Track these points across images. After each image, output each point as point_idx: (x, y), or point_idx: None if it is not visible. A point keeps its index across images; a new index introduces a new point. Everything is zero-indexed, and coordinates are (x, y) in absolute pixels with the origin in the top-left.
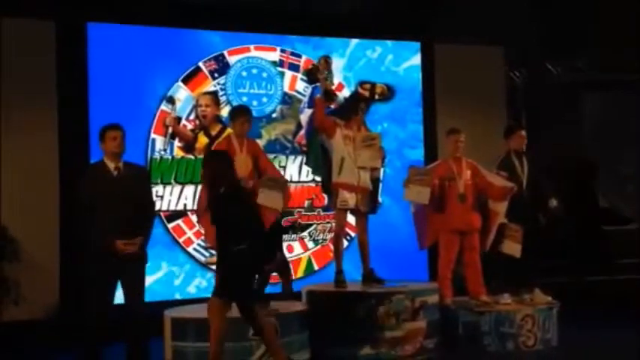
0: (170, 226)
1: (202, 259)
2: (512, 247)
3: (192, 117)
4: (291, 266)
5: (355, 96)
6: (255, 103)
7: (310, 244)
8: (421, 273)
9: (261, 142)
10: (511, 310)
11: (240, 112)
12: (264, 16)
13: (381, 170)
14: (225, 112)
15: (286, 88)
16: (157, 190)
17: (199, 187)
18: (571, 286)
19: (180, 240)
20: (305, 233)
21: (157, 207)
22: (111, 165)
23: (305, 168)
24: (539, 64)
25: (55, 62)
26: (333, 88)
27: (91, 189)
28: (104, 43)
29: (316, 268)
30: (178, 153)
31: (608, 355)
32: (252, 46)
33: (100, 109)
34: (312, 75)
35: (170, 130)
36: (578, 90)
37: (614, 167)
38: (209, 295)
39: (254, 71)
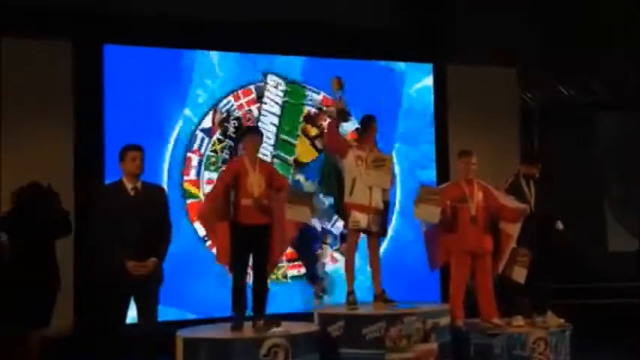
0: None
1: None
2: (519, 273)
3: None
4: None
5: (366, 116)
6: None
7: None
8: (433, 294)
9: None
10: (523, 332)
11: (249, 131)
12: (277, 37)
13: (390, 192)
14: None
15: None
16: None
17: None
18: (583, 309)
19: None
20: None
21: None
22: (129, 185)
23: None
24: (552, 86)
25: (71, 82)
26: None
27: (107, 209)
28: (120, 64)
29: None
30: None
31: None
32: None
33: (115, 129)
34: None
35: None
36: (591, 111)
37: (630, 189)
38: (221, 315)
39: None
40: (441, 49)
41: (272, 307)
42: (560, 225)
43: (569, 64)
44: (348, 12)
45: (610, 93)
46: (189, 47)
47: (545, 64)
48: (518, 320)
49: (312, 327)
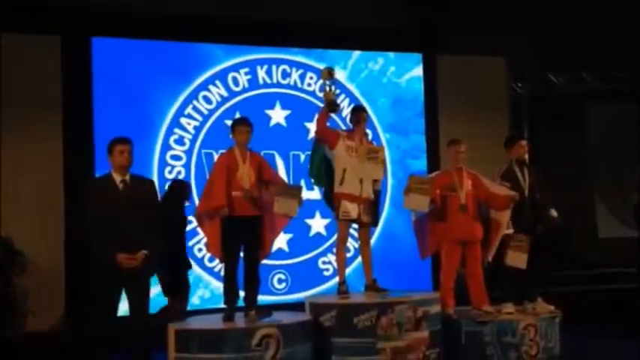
0: None
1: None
2: (518, 258)
3: None
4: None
5: (356, 107)
6: None
7: None
8: (424, 283)
9: None
10: (513, 319)
11: (240, 122)
12: (268, 28)
13: (381, 182)
14: None
15: None
16: None
17: None
18: (574, 295)
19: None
20: None
21: None
22: (117, 178)
23: None
24: (542, 75)
25: (60, 75)
26: (338, 99)
27: (96, 202)
28: (108, 57)
29: None
30: None
31: None
32: None
33: (105, 122)
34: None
35: None
36: (581, 100)
37: (619, 177)
38: (213, 306)
39: None
40: (430, 39)
41: None
42: (554, 213)
43: (559, 54)
44: (338, 6)
45: (600, 82)
46: (179, 40)
47: (535, 53)
48: (509, 307)
49: (304, 317)
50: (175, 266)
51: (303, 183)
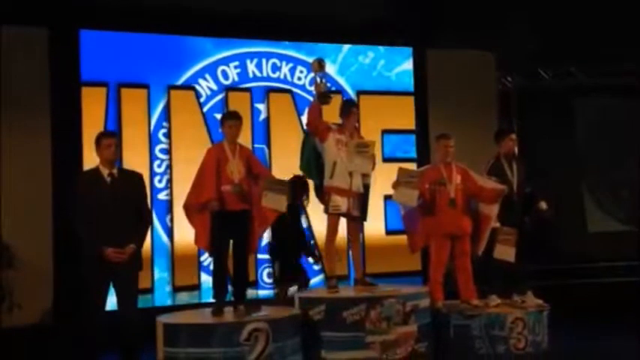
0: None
1: None
2: (506, 251)
3: None
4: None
5: (346, 101)
6: None
7: None
8: (414, 277)
9: None
10: (501, 313)
11: (228, 116)
12: (258, 22)
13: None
14: None
15: None
16: None
17: None
18: (562, 289)
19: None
20: None
21: None
22: (105, 172)
23: None
24: (531, 69)
25: (48, 68)
26: (329, 91)
27: (84, 195)
28: (97, 50)
29: None
30: None
31: (598, 358)
32: None
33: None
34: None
35: None
36: (570, 95)
37: (608, 172)
38: (201, 301)
39: None
40: (420, 33)
41: None
42: (543, 205)
43: (549, 48)
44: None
45: (590, 77)
46: (169, 33)
47: (525, 48)
48: (495, 300)
49: (293, 311)
50: (285, 256)
51: None
